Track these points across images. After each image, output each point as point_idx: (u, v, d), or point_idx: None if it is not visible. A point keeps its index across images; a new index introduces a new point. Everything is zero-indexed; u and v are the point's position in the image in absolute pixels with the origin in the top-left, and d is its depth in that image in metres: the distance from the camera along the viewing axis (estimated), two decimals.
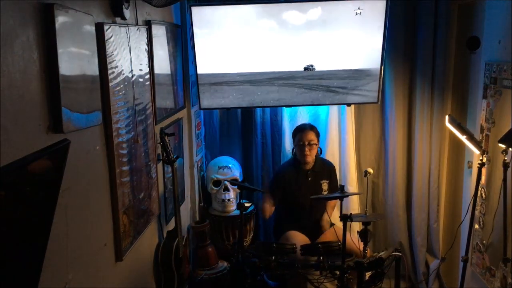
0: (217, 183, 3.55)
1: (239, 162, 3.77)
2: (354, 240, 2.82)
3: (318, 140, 3.34)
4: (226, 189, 3.52)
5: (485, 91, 2.80)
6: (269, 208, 3.34)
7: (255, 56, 3.36)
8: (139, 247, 2.36)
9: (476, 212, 2.79)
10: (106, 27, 1.88)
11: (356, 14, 3.22)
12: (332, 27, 3.27)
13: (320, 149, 3.42)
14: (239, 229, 3.02)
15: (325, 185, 3.37)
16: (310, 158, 3.30)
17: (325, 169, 3.42)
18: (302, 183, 3.35)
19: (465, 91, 3.27)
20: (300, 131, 3.33)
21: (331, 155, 3.72)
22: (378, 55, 3.31)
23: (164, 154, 2.56)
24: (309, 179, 3.35)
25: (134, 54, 2.23)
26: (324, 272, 2.71)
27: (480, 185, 2.71)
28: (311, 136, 3.28)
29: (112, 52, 1.94)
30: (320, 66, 3.37)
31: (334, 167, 3.52)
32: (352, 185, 3.72)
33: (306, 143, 3.26)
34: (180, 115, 3.20)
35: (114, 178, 2.00)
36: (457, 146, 3.40)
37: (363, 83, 3.39)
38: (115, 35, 1.97)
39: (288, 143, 3.76)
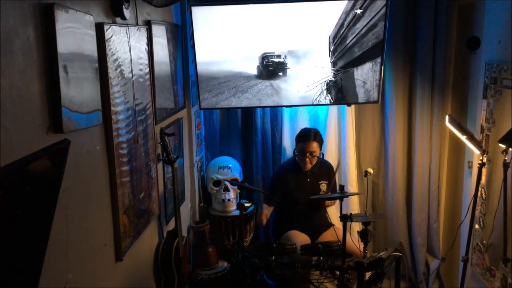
0: (217, 183, 3.55)
1: (239, 162, 3.76)
2: (354, 240, 2.82)
3: (321, 148, 3.34)
4: (226, 189, 3.51)
5: (485, 91, 2.81)
6: (265, 216, 3.35)
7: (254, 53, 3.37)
8: (139, 247, 2.36)
9: (476, 212, 2.79)
10: (106, 27, 1.87)
11: (356, 14, 3.22)
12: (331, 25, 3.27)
13: (322, 154, 3.42)
14: (239, 229, 3.02)
15: (323, 186, 3.37)
16: (310, 166, 3.31)
17: (324, 170, 3.42)
18: (300, 183, 3.35)
19: (465, 91, 3.27)
20: (303, 140, 3.31)
21: (331, 155, 3.72)
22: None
23: (164, 154, 2.56)
24: (308, 180, 3.35)
25: (134, 54, 2.23)
26: (324, 272, 2.72)
27: (480, 185, 2.71)
28: (314, 147, 3.28)
29: (112, 52, 1.94)
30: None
31: (333, 167, 3.52)
32: (352, 185, 3.72)
33: (308, 154, 3.27)
34: (180, 115, 3.20)
35: (114, 178, 2.00)
36: (457, 146, 3.40)
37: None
38: (115, 35, 1.97)
39: (288, 143, 3.76)
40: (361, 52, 3.32)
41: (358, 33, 3.26)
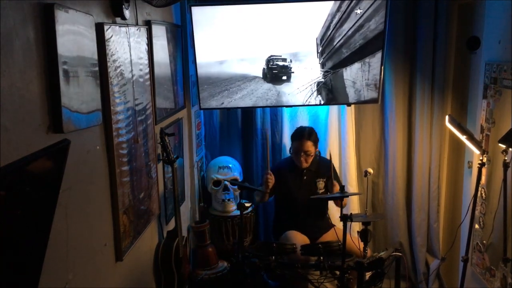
0: (217, 183, 3.56)
1: (239, 162, 3.77)
2: (354, 240, 2.82)
3: (316, 147, 3.32)
4: (226, 189, 3.52)
5: (485, 91, 2.81)
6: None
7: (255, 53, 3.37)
8: (139, 247, 2.36)
9: (476, 212, 2.79)
10: (106, 27, 1.88)
11: (356, 13, 3.22)
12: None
13: (319, 151, 3.41)
14: (239, 229, 3.02)
15: (321, 184, 3.34)
16: (306, 165, 3.30)
17: (322, 167, 3.38)
18: (297, 181, 3.34)
19: (465, 91, 3.27)
20: (298, 139, 3.29)
21: (332, 155, 3.70)
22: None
23: (164, 154, 2.56)
24: (305, 178, 3.34)
25: (134, 54, 2.23)
26: (324, 272, 2.71)
27: (480, 185, 2.71)
28: (309, 146, 3.25)
29: (112, 52, 1.94)
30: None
31: (331, 162, 3.48)
32: (352, 185, 3.72)
33: (302, 153, 3.26)
34: (180, 115, 3.20)
35: (114, 178, 2.00)
36: (457, 146, 3.40)
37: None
38: (115, 35, 1.97)
39: (288, 143, 3.76)
40: (349, 52, 3.32)
41: (345, 34, 3.27)
